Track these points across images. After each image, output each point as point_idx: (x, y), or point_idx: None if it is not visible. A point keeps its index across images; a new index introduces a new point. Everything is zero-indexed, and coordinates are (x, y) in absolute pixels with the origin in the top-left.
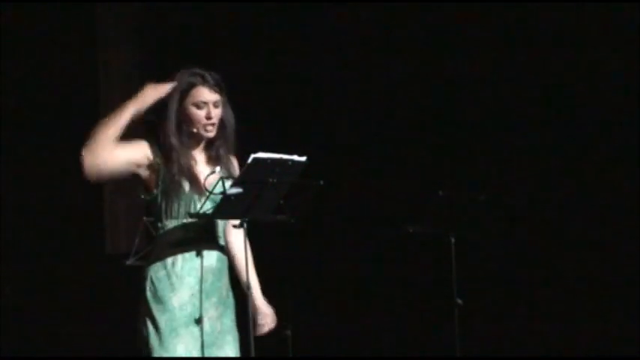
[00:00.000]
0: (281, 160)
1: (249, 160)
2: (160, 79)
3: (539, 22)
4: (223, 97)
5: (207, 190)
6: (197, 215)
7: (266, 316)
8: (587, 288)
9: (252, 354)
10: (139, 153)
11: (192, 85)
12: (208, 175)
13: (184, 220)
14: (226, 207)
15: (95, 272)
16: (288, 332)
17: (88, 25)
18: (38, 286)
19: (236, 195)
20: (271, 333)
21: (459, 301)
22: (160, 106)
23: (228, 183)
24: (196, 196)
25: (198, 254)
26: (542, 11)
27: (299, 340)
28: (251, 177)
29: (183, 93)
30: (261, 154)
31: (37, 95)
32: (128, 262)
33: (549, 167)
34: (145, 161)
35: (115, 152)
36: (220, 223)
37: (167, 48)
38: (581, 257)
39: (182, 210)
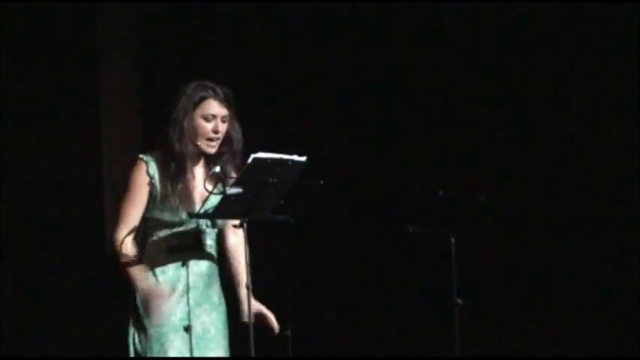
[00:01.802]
0: (281, 160)
1: (249, 160)
2: (160, 79)
3: (535, 20)
4: (231, 112)
5: (207, 190)
6: (197, 215)
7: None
8: (587, 288)
9: (252, 354)
10: (145, 200)
11: (203, 98)
12: (208, 176)
13: (173, 230)
14: (226, 207)
15: (95, 272)
16: (288, 332)
17: (88, 25)
18: (38, 286)
19: (236, 195)
20: (271, 333)
21: (459, 301)
22: (167, 114)
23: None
24: (185, 213)
25: (184, 264)
26: (540, 12)
27: (299, 340)
28: (251, 177)
29: (194, 105)
30: (261, 154)
31: (37, 95)
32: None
33: (549, 167)
34: (149, 191)
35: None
36: (210, 231)
37: (167, 49)
38: (581, 257)
39: (172, 220)
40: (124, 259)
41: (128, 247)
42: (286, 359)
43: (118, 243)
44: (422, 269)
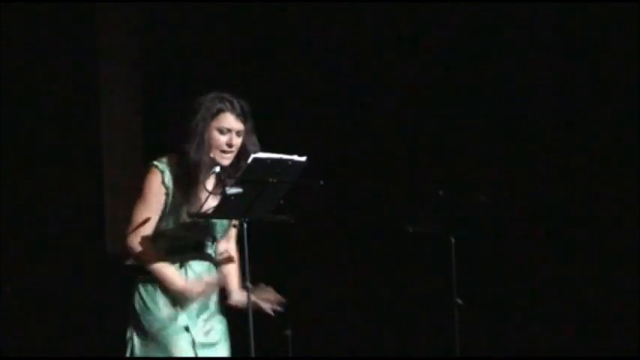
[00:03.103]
0: (281, 160)
1: (249, 160)
2: (160, 79)
3: (536, 20)
4: (247, 126)
5: (207, 190)
6: (197, 215)
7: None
8: (587, 287)
9: (252, 354)
10: (161, 209)
11: (219, 111)
12: (209, 176)
13: (174, 241)
14: (226, 207)
15: (95, 272)
16: (288, 332)
17: (88, 24)
18: (38, 286)
19: (236, 195)
20: (272, 333)
21: (459, 301)
22: (185, 124)
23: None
24: (189, 219)
25: (182, 266)
26: (543, 13)
27: (299, 340)
28: (251, 177)
29: (211, 117)
30: (261, 154)
31: (37, 95)
32: (128, 262)
33: (549, 167)
34: (164, 201)
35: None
36: (211, 245)
37: (167, 48)
38: (581, 257)
39: (174, 226)
40: (148, 266)
41: (152, 255)
42: (286, 359)
43: (139, 251)
44: (422, 269)
